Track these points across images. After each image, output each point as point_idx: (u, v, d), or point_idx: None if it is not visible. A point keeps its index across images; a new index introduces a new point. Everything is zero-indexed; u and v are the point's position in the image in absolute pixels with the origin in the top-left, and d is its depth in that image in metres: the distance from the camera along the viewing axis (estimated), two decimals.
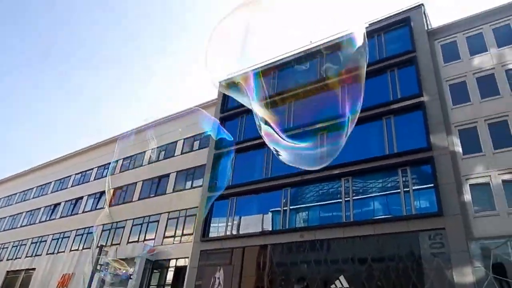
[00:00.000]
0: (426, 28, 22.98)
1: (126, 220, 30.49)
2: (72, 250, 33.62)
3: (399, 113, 21.16)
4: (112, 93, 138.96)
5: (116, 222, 30.97)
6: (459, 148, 18.88)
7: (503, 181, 17.09)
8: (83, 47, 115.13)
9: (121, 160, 34.27)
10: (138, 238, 28.87)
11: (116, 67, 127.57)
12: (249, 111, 25.50)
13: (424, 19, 23.36)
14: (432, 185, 18.33)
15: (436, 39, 22.69)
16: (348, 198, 20.62)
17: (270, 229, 22.76)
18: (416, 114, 20.51)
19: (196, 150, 29.72)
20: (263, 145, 24.40)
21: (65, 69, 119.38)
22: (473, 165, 18.16)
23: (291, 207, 22.58)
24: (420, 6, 23.44)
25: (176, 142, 31.39)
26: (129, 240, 29.33)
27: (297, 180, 22.74)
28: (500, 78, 19.69)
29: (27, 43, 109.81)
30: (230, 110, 28.71)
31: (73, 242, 34.33)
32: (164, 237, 27.51)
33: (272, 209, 23.47)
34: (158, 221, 28.48)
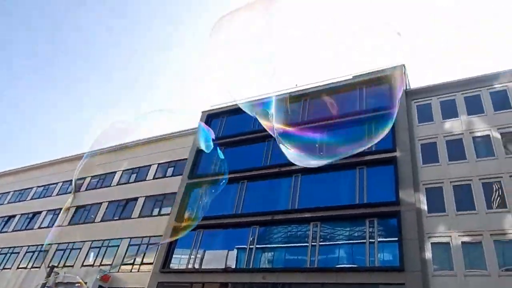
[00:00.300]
0: (405, 88, 24.29)
1: (84, 241, 29.15)
2: (20, 268, 31.59)
3: (372, 165, 21.83)
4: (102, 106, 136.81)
5: (73, 242, 29.58)
6: (424, 206, 19.50)
7: (463, 243, 17.66)
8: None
9: (89, 178, 33.28)
10: (94, 262, 27.54)
11: (119, 70, 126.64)
12: (228, 144, 25.79)
13: (404, 79, 24.74)
14: (396, 239, 18.70)
15: (413, 99, 23.98)
16: (315, 243, 20.65)
17: (234, 266, 22.30)
18: (388, 168, 21.22)
19: (169, 176, 29.31)
20: (238, 180, 24.44)
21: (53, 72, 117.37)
22: (436, 224, 18.73)
23: (257, 246, 22.33)
24: (402, 66, 24.85)
25: (149, 166, 30.93)
26: (84, 263, 27.93)
27: (267, 219, 22.67)
28: (468, 144, 20.83)
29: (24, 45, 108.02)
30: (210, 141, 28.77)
31: (22, 259, 32.32)
32: (122, 263, 26.38)
33: (238, 246, 23.11)
34: (118, 246, 27.37)
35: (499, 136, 20.56)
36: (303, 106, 25.59)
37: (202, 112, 30.49)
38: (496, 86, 22.34)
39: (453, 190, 19.53)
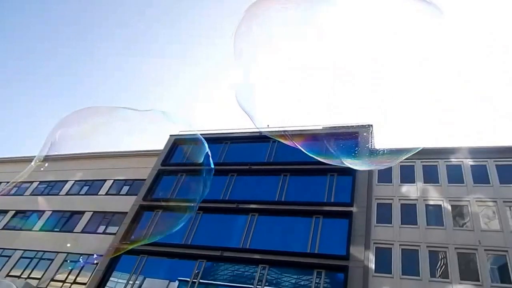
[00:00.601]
0: (369, 147, 25.17)
1: (16, 249, 27.01)
2: None
3: (328, 216, 22.07)
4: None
5: (2, 248, 27.36)
6: (372, 265, 19.71)
7: None
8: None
9: (37, 183, 31.44)
10: (21, 274, 25.44)
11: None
12: (189, 172, 25.29)
13: (370, 138, 25.72)
14: None
15: None
16: (260, 287, 20.18)
17: None
18: (343, 222, 21.49)
19: (123, 195, 28.20)
20: (194, 207, 23.84)
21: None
22: (381, 285, 18.89)
23: (201, 281, 21.49)
24: (370, 126, 25.94)
25: (105, 180, 29.72)
26: (10, 273, 25.74)
27: (216, 254, 22.04)
28: (420, 210, 21.61)
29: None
30: (171, 165, 28.19)
31: None
32: (52, 279, 24.50)
33: (180, 278, 22.16)
34: (52, 260, 25.52)
35: (450, 207, 21.49)
36: (271, 147, 25.98)
37: (170, 135, 30.09)
38: (452, 160, 23.62)
39: (401, 253, 19.95)
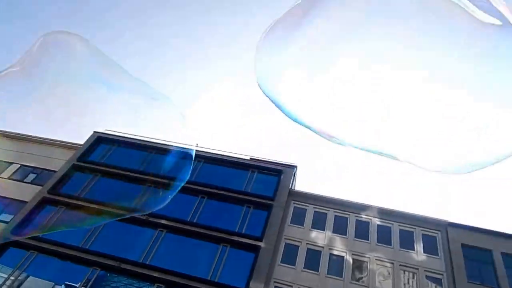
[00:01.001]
0: (290, 187, 25.97)
1: None
2: None
3: (236, 246, 22.04)
4: None
5: None
6: None
7: None
8: None
9: None
10: None
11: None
12: (106, 173, 24.12)
13: (292, 179, 26.56)
14: None
15: (293, 199, 25.57)
16: None
17: None
18: (249, 255, 21.56)
19: (28, 183, 25.93)
20: (101, 212, 22.56)
21: None
22: None
23: None
24: (294, 167, 26.88)
25: (11, 163, 27.18)
26: None
27: (112, 264, 20.89)
28: (324, 258, 22.38)
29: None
30: (88, 163, 26.65)
31: None
32: None
33: (68, 283, 20.57)
34: None
35: (351, 260, 22.54)
36: (195, 165, 25.67)
37: (94, 131, 28.65)
38: (362, 215, 25.03)
39: None
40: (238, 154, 25.87)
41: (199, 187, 23.99)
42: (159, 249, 21.96)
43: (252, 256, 21.39)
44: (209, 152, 25.22)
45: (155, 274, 20.53)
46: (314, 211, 25.01)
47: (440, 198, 66.27)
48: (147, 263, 21.22)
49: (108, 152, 27.23)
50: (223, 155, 25.88)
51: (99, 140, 27.87)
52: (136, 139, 24.24)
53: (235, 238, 22.13)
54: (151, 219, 22.43)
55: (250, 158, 25.97)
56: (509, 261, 22.26)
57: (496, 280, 21.22)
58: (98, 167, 24.96)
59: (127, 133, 26.27)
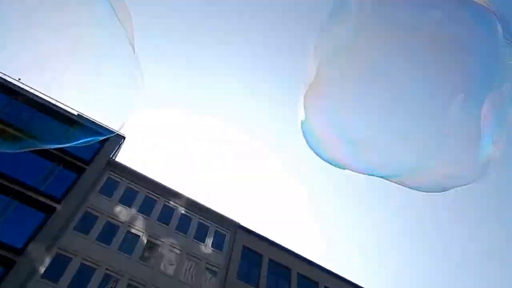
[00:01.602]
0: (111, 156, 24.98)
1: None
2: None
3: (26, 202, 20.01)
4: None
5: None
6: (43, 269, 18.72)
7: None
8: None
9: None
10: None
11: None
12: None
13: (117, 148, 25.62)
14: None
15: (110, 169, 24.68)
16: None
17: None
18: (39, 215, 19.93)
19: None
20: None
21: None
22: None
23: None
24: (122, 137, 25.93)
25: None
26: None
27: None
28: (120, 233, 22.43)
29: None
30: None
31: None
32: None
33: None
34: None
35: (145, 241, 23.22)
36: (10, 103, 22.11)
37: None
38: (171, 202, 26.07)
39: (78, 267, 19.81)
40: (67, 107, 23.35)
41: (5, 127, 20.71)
42: None
43: (41, 217, 19.81)
44: (37, 96, 22.07)
45: None
46: (127, 187, 24.79)
47: (237, 200, 72.81)
48: None
49: None
50: (50, 102, 22.90)
51: None
52: None
53: (31, 193, 20.11)
54: None
55: (78, 115, 23.77)
56: (273, 266, 26.74)
57: (258, 280, 25.14)
58: None
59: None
